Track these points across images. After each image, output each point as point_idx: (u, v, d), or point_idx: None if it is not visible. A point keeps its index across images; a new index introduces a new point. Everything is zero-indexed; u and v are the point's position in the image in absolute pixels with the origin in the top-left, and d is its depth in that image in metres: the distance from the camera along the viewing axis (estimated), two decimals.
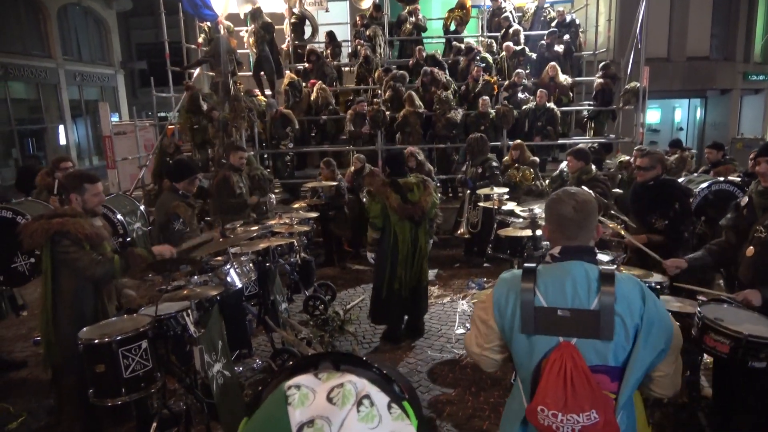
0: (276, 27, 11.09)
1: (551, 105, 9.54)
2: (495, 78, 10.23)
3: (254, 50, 10.75)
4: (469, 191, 7.15)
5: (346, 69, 12.44)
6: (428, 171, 7.47)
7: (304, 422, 0.82)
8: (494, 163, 7.36)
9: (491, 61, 10.93)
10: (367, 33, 11.66)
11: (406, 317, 5.39)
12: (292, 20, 11.88)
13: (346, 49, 12.71)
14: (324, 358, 1.09)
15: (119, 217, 5.63)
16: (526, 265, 1.82)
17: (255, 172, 7.18)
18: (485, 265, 7.54)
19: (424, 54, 11.15)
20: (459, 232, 7.16)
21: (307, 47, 11.49)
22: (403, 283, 5.14)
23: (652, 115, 18.94)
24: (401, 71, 10.48)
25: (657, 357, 1.70)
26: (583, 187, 4.99)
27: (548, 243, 1.97)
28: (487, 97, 9.44)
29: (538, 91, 9.54)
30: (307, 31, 12.49)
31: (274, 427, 0.79)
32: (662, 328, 1.71)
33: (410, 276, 5.15)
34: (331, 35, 12.04)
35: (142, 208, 6.17)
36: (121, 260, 3.36)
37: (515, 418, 1.85)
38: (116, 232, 5.53)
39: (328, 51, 11.93)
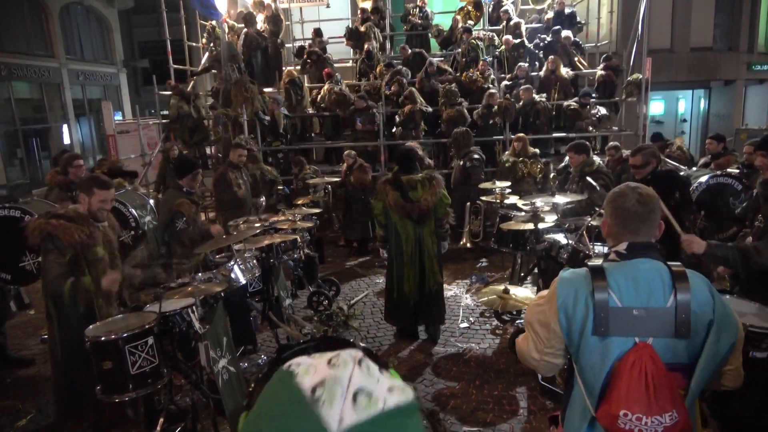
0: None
1: (539, 98, 9.46)
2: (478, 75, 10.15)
3: (242, 57, 10.69)
4: (469, 203, 7.13)
5: (345, 65, 12.37)
6: (427, 165, 7.50)
7: (315, 384, 0.84)
8: (475, 156, 7.40)
9: (479, 50, 10.87)
10: (362, 29, 11.46)
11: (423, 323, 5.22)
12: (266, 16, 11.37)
13: (334, 46, 12.37)
14: (312, 345, 1.11)
15: (132, 210, 5.70)
16: (591, 264, 1.77)
17: (255, 171, 7.16)
18: (482, 260, 7.55)
19: (409, 51, 10.97)
20: (461, 242, 7.16)
21: (308, 46, 11.43)
22: (412, 285, 4.96)
23: (656, 106, 18.83)
24: (404, 67, 10.46)
25: (728, 351, 1.69)
26: (588, 178, 5.04)
27: (608, 239, 1.90)
28: (495, 91, 9.39)
29: (521, 88, 9.44)
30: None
31: (287, 400, 0.81)
32: (732, 322, 1.70)
33: (418, 278, 4.96)
34: (317, 32, 11.64)
35: (151, 202, 6.23)
36: (71, 287, 3.36)
37: (578, 425, 1.78)
38: (128, 225, 5.59)
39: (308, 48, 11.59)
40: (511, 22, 11.35)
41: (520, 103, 9.38)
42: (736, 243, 3.11)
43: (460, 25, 11.54)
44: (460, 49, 10.99)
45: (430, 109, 9.40)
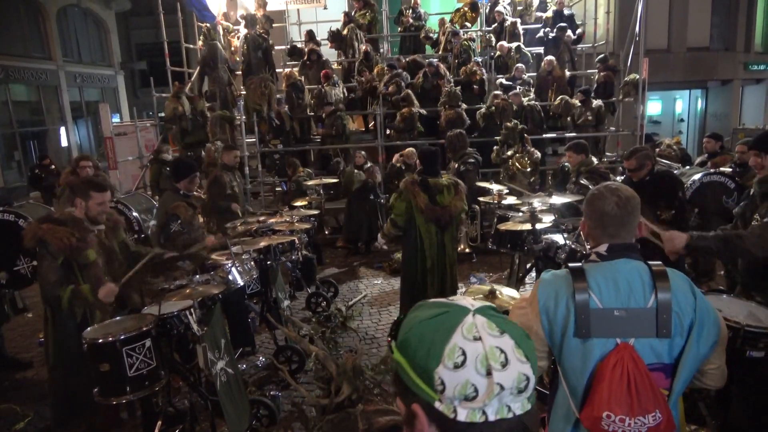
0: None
1: (527, 102, 9.48)
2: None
3: (242, 58, 10.67)
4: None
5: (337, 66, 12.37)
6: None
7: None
8: (470, 160, 7.34)
9: (471, 51, 10.92)
10: (344, 32, 11.37)
11: None
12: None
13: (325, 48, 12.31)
14: None
15: (135, 214, 5.70)
16: (572, 265, 1.74)
17: None
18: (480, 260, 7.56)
19: (404, 61, 11.05)
20: (459, 248, 7.17)
21: (309, 46, 11.42)
22: (435, 293, 4.71)
23: (653, 106, 18.86)
24: (402, 70, 10.48)
25: (710, 350, 1.68)
26: (582, 180, 5.04)
27: (588, 241, 1.88)
28: (499, 92, 9.39)
29: (510, 93, 9.43)
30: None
31: (428, 306, 0.95)
32: (713, 321, 1.68)
33: (440, 285, 4.75)
34: (310, 34, 11.55)
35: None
36: (71, 294, 3.35)
37: (563, 427, 1.77)
38: (131, 228, 5.59)
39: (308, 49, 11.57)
40: (507, 23, 11.35)
41: (513, 108, 9.40)
42: (717, 232, 3.04)
43: (446, 26, 11.58)
44: (446, 52, 11.00)
45: (424, 112, 9.41)
